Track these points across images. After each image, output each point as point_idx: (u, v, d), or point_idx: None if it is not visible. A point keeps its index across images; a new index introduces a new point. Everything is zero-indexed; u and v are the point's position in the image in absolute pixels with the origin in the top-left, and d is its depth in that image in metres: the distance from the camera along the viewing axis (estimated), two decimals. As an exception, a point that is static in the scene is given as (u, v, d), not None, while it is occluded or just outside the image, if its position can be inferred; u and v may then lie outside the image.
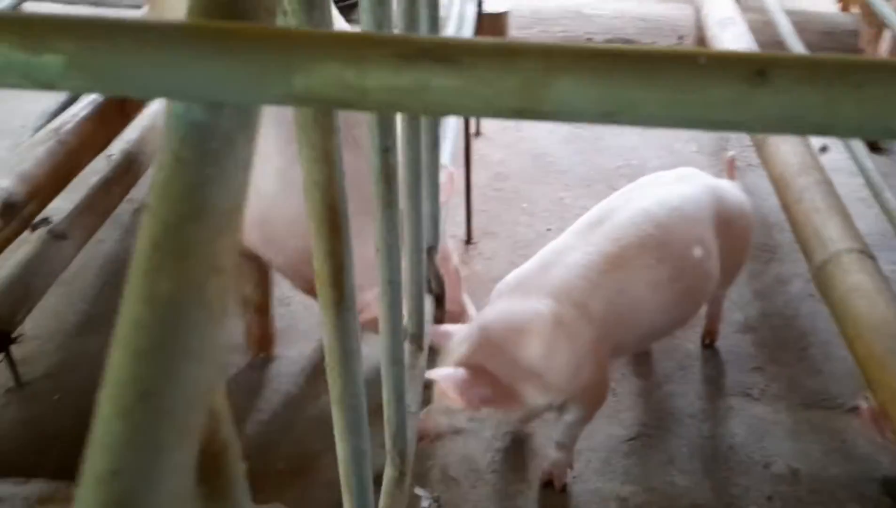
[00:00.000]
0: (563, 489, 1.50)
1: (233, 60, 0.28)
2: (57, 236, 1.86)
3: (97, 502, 0.26)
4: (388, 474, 1.04)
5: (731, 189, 1.68)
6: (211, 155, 0.30)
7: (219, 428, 0.34)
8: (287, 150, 1.36)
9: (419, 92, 0.28)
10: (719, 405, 1.70)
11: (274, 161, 1.37)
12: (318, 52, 0.28)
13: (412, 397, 1.19)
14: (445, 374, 1.28)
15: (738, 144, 2.63)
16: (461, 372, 1.26)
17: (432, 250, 1.42)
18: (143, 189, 2.43)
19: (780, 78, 0.27)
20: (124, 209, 2.32)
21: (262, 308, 1.75)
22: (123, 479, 0.27)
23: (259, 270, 1.65)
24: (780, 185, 1.88)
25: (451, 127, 1.84)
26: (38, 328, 1.89)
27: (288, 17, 0.45)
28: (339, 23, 1.82)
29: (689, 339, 1.86)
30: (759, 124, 0.28)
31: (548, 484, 1.51)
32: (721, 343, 1.85)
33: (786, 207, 1.81)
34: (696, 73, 0.28)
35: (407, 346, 1.28)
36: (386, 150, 0.77)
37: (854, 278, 1.50)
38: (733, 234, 1.59)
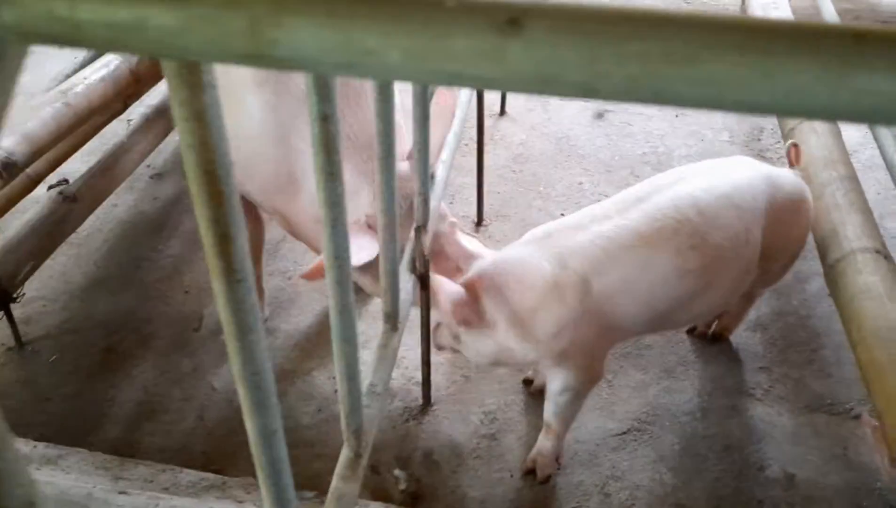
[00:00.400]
0: (547, 480, 1.47)
1: (-62, -11, 0.25)
2: (67, 197, 1.88)
3: None
4: (343, 454, 1.02)
5: (790, 180, 1.52)
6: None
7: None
8: (263, 95, 1.43)
9: (137, 29, 0.25)
10: (719, 403, 1.63)
11: (252, 107, 1.43)
12: (24, -18, 0.25)
13: (380, 377, 1.17)
14: (448, 286, 1.34)
15: (772, 135, 2.53)
16: (460, 290, 1.33)
17: (420, 229, 1.39)
18: (161, 155, 2.46)
19: (536, 29, 0.23)
20: (141, 174, 2.35)
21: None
22: None
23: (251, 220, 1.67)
24: (803, 177, 1.79)
25: (462, 104, 1.79)
26: (44, 288, 1.92)
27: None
28: None
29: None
30: (513, 82, 0.24)
31: (531, 473, 1.48)
32: (729, 340, 1.78)
33: (804, 203, 1.73)
34: (442, 19, 0.24)
35: (382, 325, 1.26)
36: (325, 118, 0.74)
37: (866, 279, 1.43)
38: (786, 229, 1.48)
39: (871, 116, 0.23)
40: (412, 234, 1.41)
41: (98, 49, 0.26)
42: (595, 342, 1.36)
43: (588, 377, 1.38)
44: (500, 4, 0.24)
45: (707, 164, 1.50)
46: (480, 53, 0.24)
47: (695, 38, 0.23)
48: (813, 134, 1.85)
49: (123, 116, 2.18)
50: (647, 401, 1.64)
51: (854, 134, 2.41)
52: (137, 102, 2.24)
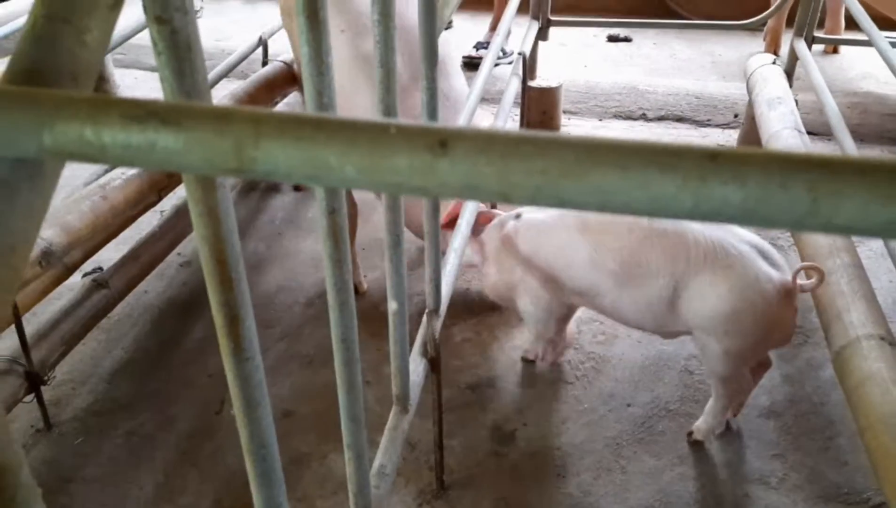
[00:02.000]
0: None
1: (-5, 119, 0.32)
2: (101, 284, 1.97)
3: None
4: (350, 533, 1.04)
5: (773, 258, 1.61)
6: (-13, 201, 0.34)
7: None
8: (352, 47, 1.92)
9: (147, 151, 0.31)
10: (734, 491, 1.63)
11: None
12: (61, 113, 0.32)
13: (389, 458, 1.20)
14: (473, 240, 1.91)
15: (784, 223, 2.57)
16: (473, 242, 1.92)
17: (432, 313, 1.44)
18: (191, 243, 2.56)
19: (459, 149, 0.29)
20: (171, 261, 2.44)
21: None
22: None
23: None
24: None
25: (471, 205, 1.86)
26: (73, 371, 1.99)
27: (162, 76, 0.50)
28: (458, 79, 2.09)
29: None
30: (443, 191, 0.30)
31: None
32: (742, 427, 1.78)
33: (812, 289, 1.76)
34: (386, 141, 0.30)
35: (394, 408, 1.30)
36: (332, 212, 0.81)
37: (871, 366, 1.44)
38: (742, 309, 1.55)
39: (725, 218, 0.28)
40: (424, 318, 1.47)
41: (118, 165, 0.32)
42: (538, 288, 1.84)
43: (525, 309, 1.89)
44: (431, 130, 0.30)
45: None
46: (417, 169, 0.30)
47: (585, 157, 0.29)
48: (819, 223, 1.88)
49: (157, 208, 2.30)
50: (660, 488, 1.64)
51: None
52: (171, 194, 2.36)
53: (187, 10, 0.47)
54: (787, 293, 1.57)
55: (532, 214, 1.84)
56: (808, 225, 0.27)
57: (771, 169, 0.27)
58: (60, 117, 0.32)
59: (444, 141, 0.30)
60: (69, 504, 1.62)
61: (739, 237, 1.59)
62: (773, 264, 1.59)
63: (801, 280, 1.58)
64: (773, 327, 1.58)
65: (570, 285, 1.76)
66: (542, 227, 1.79)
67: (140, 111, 0.31)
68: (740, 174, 0.27)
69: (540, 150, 0.29)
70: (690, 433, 1.75)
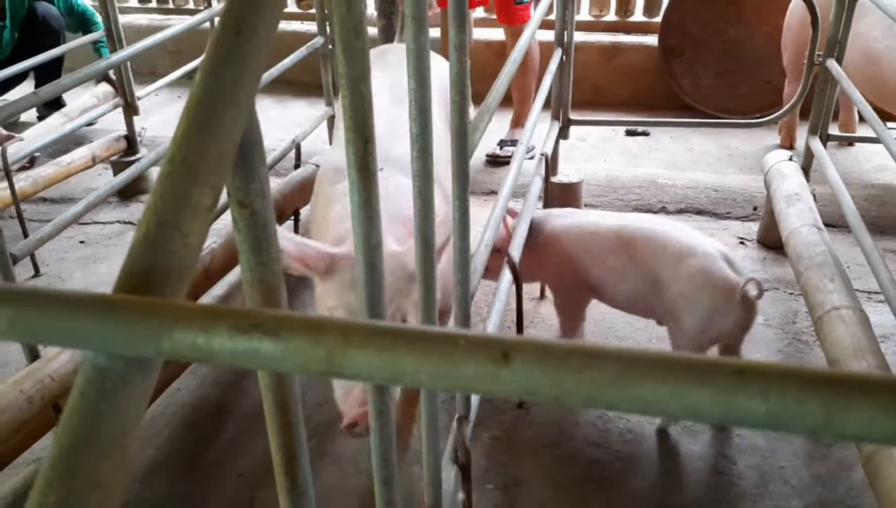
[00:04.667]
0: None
1: (119, 326, 0.38)
2: (136, 384, 2.03)
3: None
4: None
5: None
6: (107, 392, 0.39)
7: None
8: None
9: (251, 356, 0.37)
10: None
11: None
12: (178, 323, 0.37)
13: (425, 569, 1.22)
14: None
15: (805, 318, 2.59)
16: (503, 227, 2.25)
17: (462, 419, 1.47)
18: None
19: (519, 360, 0.34)
20: (203, 360, 2.49)
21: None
22: None
23: None
24: (830, 362, 1.84)
25: (501, 291, 1.92)
26: (107, 471, 2.02)
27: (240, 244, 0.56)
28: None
29: (740, 524, 1.79)
30: (505, 393, 0.35)
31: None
32: (775, 531, 1.76)
33: (839, 390, 1.77)
34: (455, 351, 0.35)
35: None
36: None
37: (903, 472, 1.44)
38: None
39: (750, 425, 0.33)
40: (454, 425, 1.50)
41: (226, 367, 0.38)
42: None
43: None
44: (496, 341, 0.35)
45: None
46: (482, 376, 0.35)
47: (628, 370, 0.34)
48: (841, 323, 1.91)
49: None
50: (693, 596, 1.62)
51: (888, 318, 2.46)
52: (206, 294, 2.43)
53: (265, 195, 0.54)
54: (737, 291, 1.91)
55: (568, 218, 2.28)
56: (823, 434, 0.32)
57: (789, 386, 0.32)
58: (177, 327, 0.37)
59: (506, 353, 0.35)
60: None
61: (709, 243, 2.04)
62: (732, 267, 1.97)
63: (753, 290, 1.91)
64: (723, 311, 1.94)
65: (597, 282, 2.16)
66: (585, 234, 2.18)
67: (245, 323, 0.37)
68: (763, 390, 0.32)
69: (589, 363, 0.34)
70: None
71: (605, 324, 2.58)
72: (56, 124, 3.42)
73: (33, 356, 1.66)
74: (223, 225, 2.53)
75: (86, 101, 3.59)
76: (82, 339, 0.38)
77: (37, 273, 3.09)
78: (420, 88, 0.94)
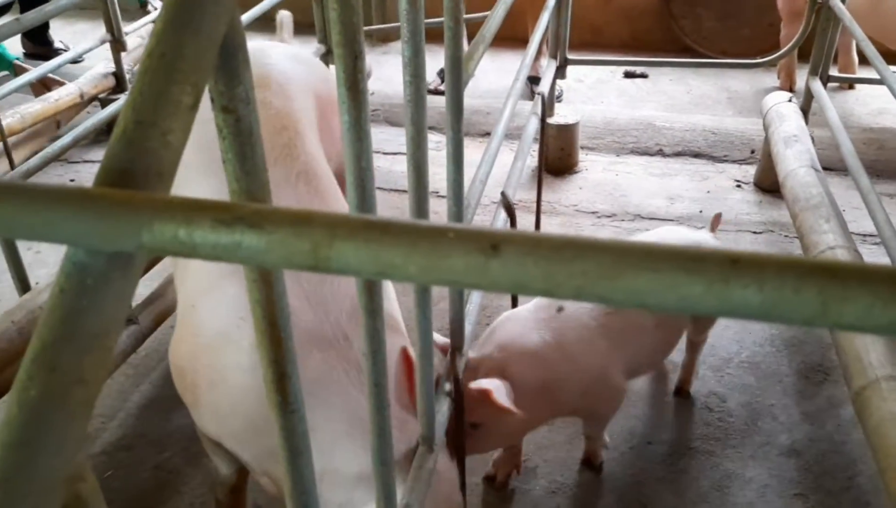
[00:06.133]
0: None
1: (99, 219, 0.37)
2: (130, 320, 2.02)
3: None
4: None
5: (709, 243, 1.86)
6: (87, 289, 0.38)
7: (86, 510, 0.41)
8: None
9: (234, 249, 0.36)
10: (754, 531, 1.64)
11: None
12: (159, 216, 0.36)
13: (416, 497, 1.23)
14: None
15: (801, 259, 2.59)
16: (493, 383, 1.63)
17: (455, 352, 1.48)
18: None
19: (509, 251, 0.33)
20: (197, 298, 2.49)
21: None
22: (-23, 547, 0.34)
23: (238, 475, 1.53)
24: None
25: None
26: (102, 406, 2.03)
27: (227, 167, 0.54)
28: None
29: (729, 457, 1.82)
30: (495, 287, 0.34)
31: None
32: (763, 466, 1.79)
33: (831, 329, 1.78)
34: (444, 244, 0.34)
35: (419, 448, 1.33)
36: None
37: (891, 407, 1.46)
38: None
39: (744, 316, 0.32)
40: (448, 356, 1.50)
41: (208, 260, 0.37)
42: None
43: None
44: (485, 233, 0.34)
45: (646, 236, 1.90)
46: (472, 269, 0.34)
47: (621, 261, 0.33)
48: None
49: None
50: (681, 527, 1.65)
51: (883, 260, 2.46)
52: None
53: (250, 101, 0.52)
54: None
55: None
56: (819, 324, 0.31)
57: (786, 275, 0.31)
58: (158, 219, 0.36)
59: (495, 244, 0.34)
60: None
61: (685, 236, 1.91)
62: None
63: None
64: None
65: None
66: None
67: (228, 215, 0.36)
68: (758, 279, 0.31)
69: (580, 253, 0.33)
70: None
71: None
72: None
73: (24, 288, 1.65)
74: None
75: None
76: (61, 233, 0.37)
77: (28, 212, 3.06)
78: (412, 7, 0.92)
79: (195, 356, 1.32)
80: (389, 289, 1.44)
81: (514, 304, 2.20)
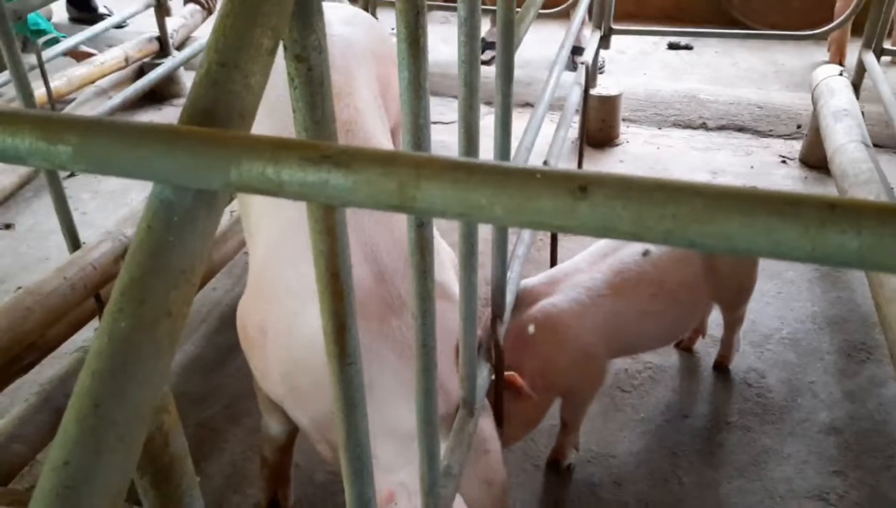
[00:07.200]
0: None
1: (188, 156, 0.37)
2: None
3: (49, 485, 0.35)
4: (421, 530, 1.09)
5: None
6: (174, 226, 0.39)
7: (168, 443, 0.42)
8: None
9: (321, 188, 0.36)
10: (791, 506, 1.63)
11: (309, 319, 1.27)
12: (247, 154, 0.36)
13: (456, 458, 1.24)
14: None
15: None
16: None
17: (496, 319, 1.48)
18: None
19: (598, 194, 0.33)
20: (239, 260, 2.53)
21: (280, 473, 1.65)
22: (70, 469, 0.35)
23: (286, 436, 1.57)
24: (874, 284, 1.82)
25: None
26: (147, 363, 2.08)
27: (295, 114, 0.55)
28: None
29: (766, 433, 1.81)
30: (582, 230, 0.34)
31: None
32: (801, 442, 1.78)
33: (878, 306, 1.75)
34: (532, 185, 0.34)
35: (460, 411, 1.34)
36: (421, 225, 0.86)
37: (939, 386, 1.43)
38: (728, 267, 1.75)
39: (841, 261, 0.31)
40: (488, 323, 1.51)
41: (294, 200, 0.37)
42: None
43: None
44: (574, 175, 0.34)
45: None
46: (559, 210, 0.34)
47: (713, 205, 0.32)
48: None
49: (228, 208, 2.38)
50: (717, 500, 1.65)
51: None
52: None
53: (322, 50, 0.52)
54: None
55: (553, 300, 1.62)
56: (918, 271, 0.31)
57: (885, 219, 0.31)
58: (246, 157, 0.36)
59: (584, 186, 0.34)
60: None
61: None
62: None
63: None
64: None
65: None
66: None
67: (315, 154, 0.36)
68: (856, 224, 0.31)
69: (672, 196, 0.33)
70: None
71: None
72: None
73: (75, 245, 1.69)
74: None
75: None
76: (149, 170, 0.38)
77: (72, 173, 3.12)
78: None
79: (264, 315, 1.34)
80: (444, 258, 1.45)
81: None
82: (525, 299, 1.63)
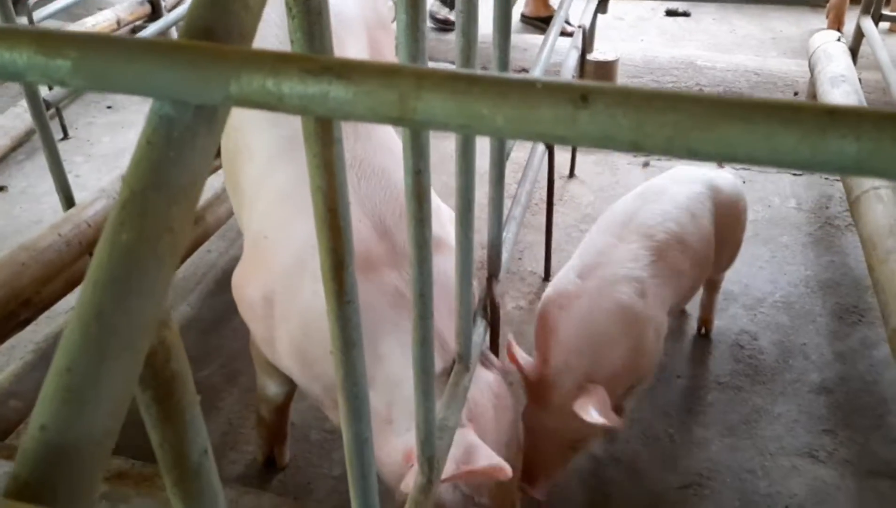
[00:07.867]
0: None
1: (187, 70, 0.37)
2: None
3: (54, 390, 0.35)
4: (416, 481, 1.10)
5: (725, 181, 1.82)
6: (174, 141, 0.39)
7: (170, 358, 0.43)
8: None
9: (321, 100, 0.36)
10: (781, 463, 1.65)
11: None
12: (247, 66, 0.36)
13: (452, 412, 1.25)
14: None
15: (840, 203, 2.56)
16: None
17: (492, 278, 1.49)
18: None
19: (599, 102, 0.33)
20: (233, 224, 2.52)
21: (277, 432, 1.68)
22: (73, 375, 0.35)
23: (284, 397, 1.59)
24: (867, 245, 1.83)
25: (533, 166, 1.90)
26: (142, 323, 2.08)
27: (293, 46, 0.54)
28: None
29: (758, 393, 1.83)
30: (583, 140, 0.34)
31: None
32: (792, 402, 1.80)
33: (871, 268, 1.77)
34: (533, 94, 0.34)
35: (455, 366, 1.35)
36: (418, 172, 0.86)
37: (929, 345, 1.45)
38: (729, 221, 1.77)
39: (840, 168, 0.32)
40: (484, 282, 1.51)
41: (294, 113, 0.37)
42: None
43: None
44: (574, 85, 0.34)
45: (660, 182, 1.79)
46: (559, 119, 0.34)
47: (713, 111, 0.32)
48: (879, 203, 1.88)
49: (220, 172, 2.37)
50: (708, 457, 1.67)
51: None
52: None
53: (321, -23, 0.52)
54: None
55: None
56: (916, 176, 0.31)
57: (884, 125, 0.31)
58: (245, 70, 0.36)
59: (585, 95, 0.34)
60: (141, 446, 1.71)
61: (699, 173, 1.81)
62: None
63: None
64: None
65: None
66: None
67: (316, 66, 0.36)
68: (855, 129, 0.31)
69: (672, 104, 0.33)
70: None
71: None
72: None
73: (69, 203, 1.68)
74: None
75: None
76: (148, 85, 0.38)
77: (65, 136, 3.10)
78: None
79: (269, 285, 1.32)
80: (443, 215, 1.45)
81: (548, 256, 2.20)
82: (560, 302, 1.53)
